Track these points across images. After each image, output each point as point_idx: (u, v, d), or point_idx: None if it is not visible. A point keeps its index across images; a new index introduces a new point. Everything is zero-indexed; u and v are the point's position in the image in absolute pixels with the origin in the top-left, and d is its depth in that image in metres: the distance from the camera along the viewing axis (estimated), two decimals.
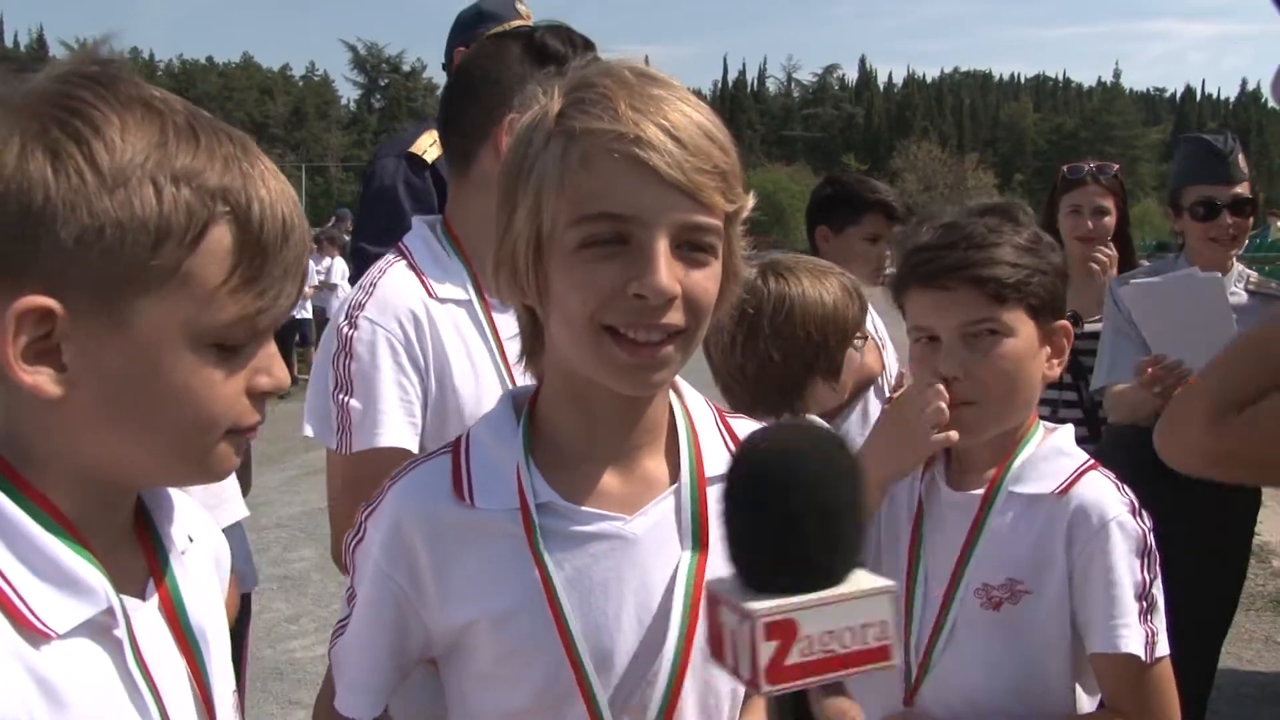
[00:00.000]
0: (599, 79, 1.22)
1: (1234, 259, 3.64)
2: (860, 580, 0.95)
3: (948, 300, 1.80)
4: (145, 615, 1.07)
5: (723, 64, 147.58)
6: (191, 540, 1.17)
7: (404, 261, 2.05)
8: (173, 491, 1.19)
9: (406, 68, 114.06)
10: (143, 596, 1.08)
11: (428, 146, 3.30)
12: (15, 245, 0.93)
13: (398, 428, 1.89)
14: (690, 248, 1.21)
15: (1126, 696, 1.75)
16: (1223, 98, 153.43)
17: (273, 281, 1.02)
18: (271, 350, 1.07)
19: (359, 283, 2.10)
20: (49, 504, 1.01)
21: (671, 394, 1.38)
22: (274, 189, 1.02)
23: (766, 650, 0.91)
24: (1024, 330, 1.80)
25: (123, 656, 1.02)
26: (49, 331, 0.95)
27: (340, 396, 1.94)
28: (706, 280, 1.23)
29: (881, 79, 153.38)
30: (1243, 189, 3.51)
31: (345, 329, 1.96)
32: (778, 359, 2.24)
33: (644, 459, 1.34)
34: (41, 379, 0.96)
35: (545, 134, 1.22)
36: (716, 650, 0.99)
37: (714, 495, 1.33)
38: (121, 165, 0.94)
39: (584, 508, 1.30)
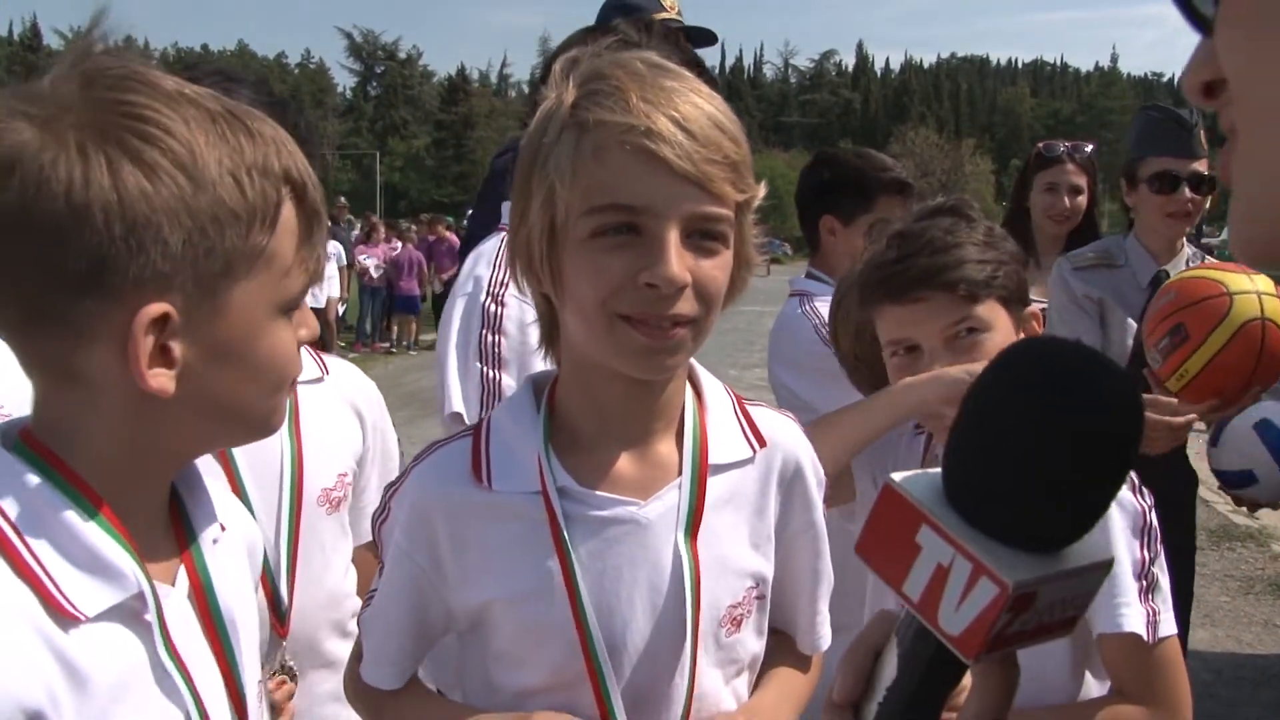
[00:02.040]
0: (611, 70, 1.24)
1: (1184, 239, 3.57)
2: (1089, 549, 0.77)
3: (923, 311, 1.78)
4: (175, 601, 1.09)
5: (720, 50, 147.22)
6: (224, 529, 1.19)
7: None
8: (205, 479, 1.22)
9: (402, 55, 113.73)
10: (172, 582, 1.10)
11: None
12: (125, 259, 0.96)
13: None
14: (701, 237, 1.23)
15: (1132, 679, 1.73)
16: None
17: (319, 243, 1.11)
18: (307, 311, 1.18)
19: (488, 261, 2.16)
20: (86, 486, 1.03)
21: (687, 385, 1.41)
22: (300, 158, 1.09)
23: (1002, 620, 0.74)
24: (1000, 322, 1.80)
25: (153, 641, 1.04)
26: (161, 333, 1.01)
27: (488, 371, 2.01)
28: (716, 269, 1.25)
29: (879, 64, 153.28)
30: (1203, 165, 3.42)
31: (492, 307, 2.04)
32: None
33: (658, 443, 1.36)
34: (161, 380, 1.00)
35: (559, 125, 1.24)
36: (888, 566, 0.78)
37: (723, 482, 1.37)
38: (205, 165, 0.99)
39: (599, 492, 1.32)
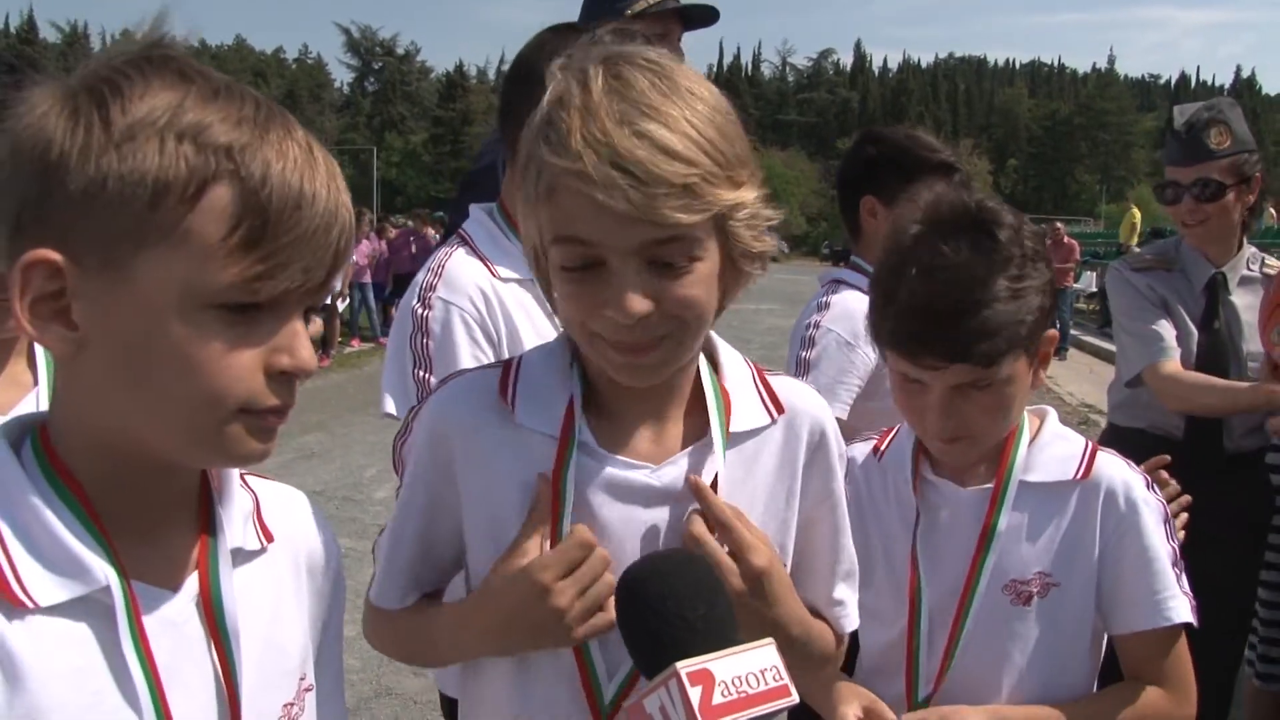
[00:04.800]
0: (570, 97, 1.23)
1: (1244, 241, 3.40)
2: (746, 640, 1.18)
3: (940, 370, 1.71)
4: (175, 606, 1.06)
5: (718, 48, 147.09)
6: (271, 541, 1.17)
7: (465, 247, 2.18)
8: (260, 486, 1.21)
9: (400, 51, 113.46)
10: (176, 586, 1.07)
11: None
12: (33, 200, 0.96)
13: None
14: (665, 261, 1.24)
15: (1151, 666, 1.79)
16: (1217, 84, 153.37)
17: (279, 249, 0.98)
18: (295, 329, 1.03)
19: (427, 265, 2.22)
20: (68, 474, 1.02)
21: (702, 357, 1.42)
22: (296, 158, 1.00)
23: (695, 694, 1.10)
24: (1017, 369, 1.73)
25: (116, 639, 1.00)
26: (62, 289, 0.96)
27: (419, 374, 2.06)
28: (685, 289, 1.26)
29: (876, 64, 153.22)
30: (1207, 169, 3.22)
31: (419, 310, 2.09)
32: None
33: (673, 415, 1.40)
34: (51, 337, 0.97)
35: (529, 152, 1.28)
36: None
37: (744, 448, 1.41)
38: (132, 123, 0.95)
39: (615, 454, 1.36)
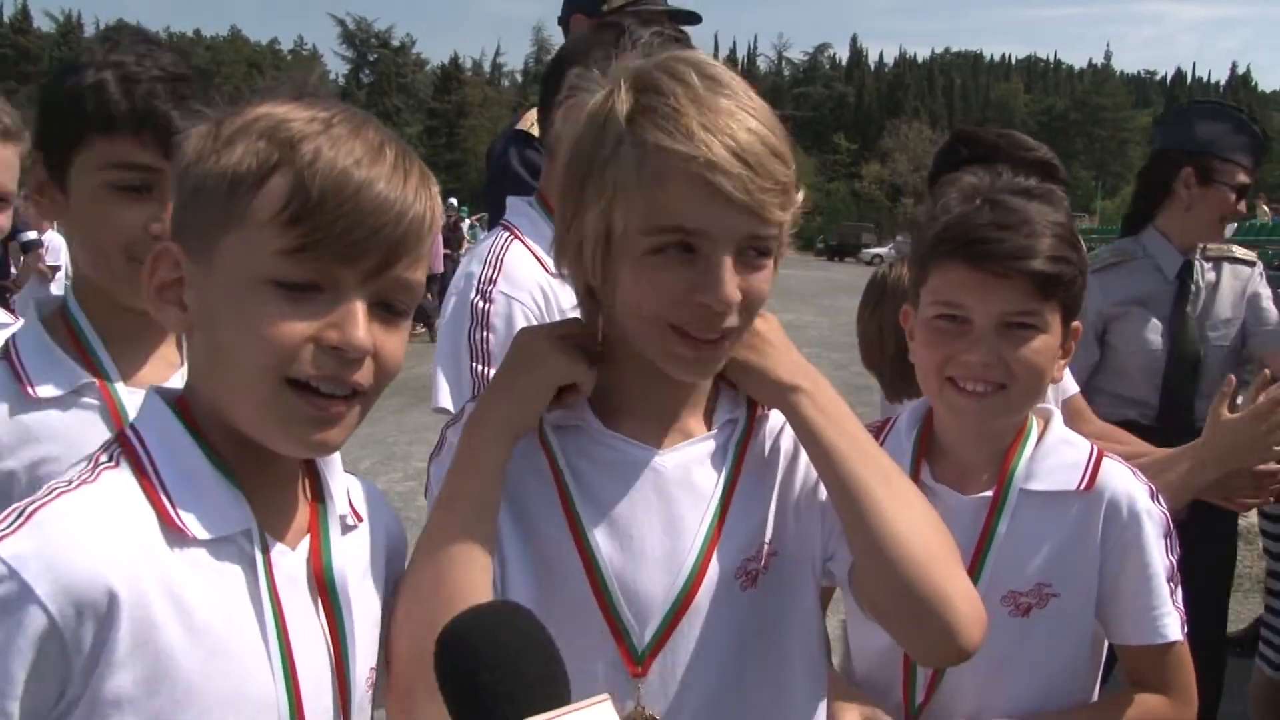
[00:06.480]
0: (669, 85, 1.27)
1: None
2: (579, 699, 1.05)
3: (995, 285, 1.68)
4: (291, 562, 1.17)
5: (714, 42, 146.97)
6: (362, 519, 1.29)
7: (517, 240, 2.16)
8: (352, 477, 1.31)
9: (396, 43, 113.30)
10: (294, 546, 1.19)
11: (534, 121, 3.31)
12: (179, 206, 1.15)
13: None
14: (753, 254, 1.30)
15: (1152, 674, 1.78)
16: (1213, 81, 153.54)
17: (321, 224, 1.07)
18: (351, 309, 1.10)
19: (480, 258, 2.19)
20: (207, 435, 1.15)
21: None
22: (354, 150, 1.10)
23: None
24: (1054, 327, 1.73)
25: (256, 579, 1.12)
26: (180, 277, 1.13)
27: (478, 368, 2.04)
28: (762, 282, 1.32)
29: (873, 58, 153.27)
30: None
31: (480, 303, 2.07)
32: (887, 337, 2.50)
33: (686, 410, 1.43)
34: (168, 317, 1.15)
35: (615, 138, 1.27)
36: None
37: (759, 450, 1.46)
38: (235, 130, 1.11)
39: (620, 434, 1.40)
